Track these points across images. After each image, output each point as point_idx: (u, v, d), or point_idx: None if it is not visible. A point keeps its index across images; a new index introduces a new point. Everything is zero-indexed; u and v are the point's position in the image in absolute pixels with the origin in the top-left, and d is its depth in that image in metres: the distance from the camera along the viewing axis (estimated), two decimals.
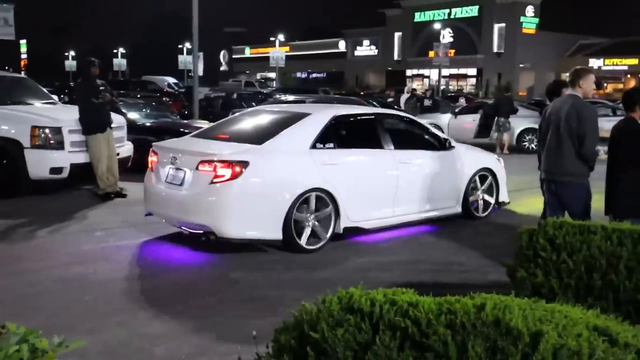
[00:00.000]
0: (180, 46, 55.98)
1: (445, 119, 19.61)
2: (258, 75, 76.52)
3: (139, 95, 22.01)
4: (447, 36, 58.43)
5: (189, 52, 41.88)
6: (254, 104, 18.86)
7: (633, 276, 3.41)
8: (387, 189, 7.58)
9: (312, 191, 6.84)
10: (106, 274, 5.97)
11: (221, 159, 6.51)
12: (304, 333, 2.24)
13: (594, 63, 59.78)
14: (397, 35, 69.22)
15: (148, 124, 12.87)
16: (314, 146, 7.04)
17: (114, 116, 10.25)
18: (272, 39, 62.81)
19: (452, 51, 50.73)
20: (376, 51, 73.05)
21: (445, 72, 56.71)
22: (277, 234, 6.63)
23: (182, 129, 12.32)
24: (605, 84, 58.72)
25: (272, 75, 60.63)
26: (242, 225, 6.55)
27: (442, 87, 49.35)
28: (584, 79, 5.72)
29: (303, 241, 6.80)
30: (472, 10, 62.07)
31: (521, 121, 18.33)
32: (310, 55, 78.22)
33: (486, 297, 2.13)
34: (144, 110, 13.93)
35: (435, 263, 6.57)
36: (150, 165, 7.40)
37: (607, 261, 3.53)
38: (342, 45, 76.86)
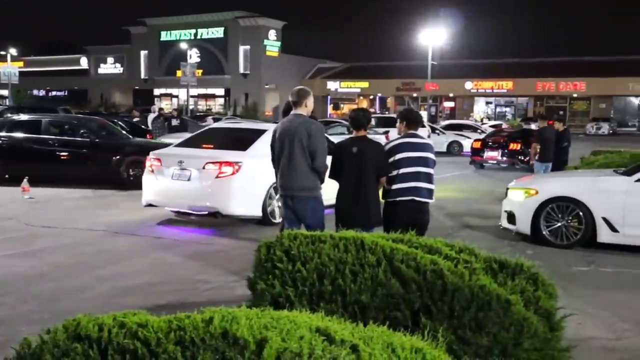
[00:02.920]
0: None
1: None
2: None
3: None
4: (194, 56, 58.93)
5: None
6: None
7: (357, 279, 3.73)
8: None
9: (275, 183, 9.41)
10: None
11: (224, 160, 9.18)
12: None
13: (332, 85, 64.84)
14: (143, 53, 67.96)
15: None
16: None
17: None
18: (2, 52, 57.59)
19: (200, 71, 51.32)
20: (122, 69, 70.86)
21: (194, 91, 56.96)
22: (258, 212, 9.37)
23: None
24: (342, 105, 63.83)
25: (5, 92, 55.54)
26: (239, 206, 9.26)
27: (191, 107, 49.43)
28: (307, 98, 6.11)
29: (272, 218, 9.50)
30: (218, 32, 63.36)
31: None
32: (49, 71, 73.17)
33: (215, 311, 2.18)
34: None
35: (182, 282, 6.53)
36: (150, 168, 9.87)
37: (335, 267, 3.81)
38: (84, 62, 73.20)
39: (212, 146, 9.92)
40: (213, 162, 9.19)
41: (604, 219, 8.31)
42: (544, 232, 8.66)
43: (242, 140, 9.88)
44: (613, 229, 8.28)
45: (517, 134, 21.38)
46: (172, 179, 9.49)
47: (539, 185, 9.05)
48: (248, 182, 9.21)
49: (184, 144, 10.56)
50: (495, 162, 20.35)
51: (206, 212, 9.44)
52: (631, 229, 8.20)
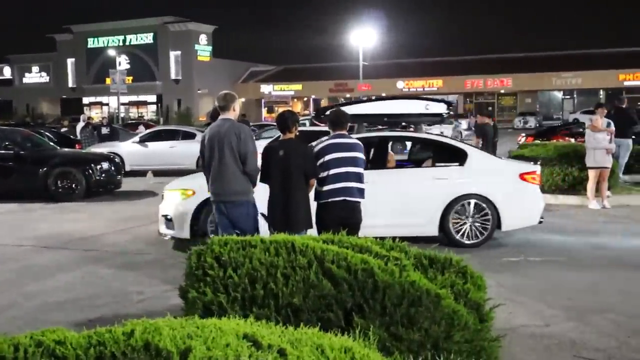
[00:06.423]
0: None
1: (125, 147, 19.04)
2: None
3: None
4: (123, 63, 57.68)
5: None
6: None
7: (289, 282, 3.72)
8: None
9: None
10: None
11: None
12: None
13: (265, 88, 64.66)
14: (70, 61, 66.14)
15: None
16: None
17: None
18: None
19: (130, 78, 50.29)
20: (48, 78, 68.73)
21: (125, 99, 55.79)
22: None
23: None
24: (276, 108, 63.71)
25: None
26: None
27: (122, 115, 48.34)
28: (234, 102, 6.06)
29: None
30: (147, 38, 62.27)
31: None
32: None
33: (136, 323, 2.13)
34: None
35: (114, 295, 6.36)
36: None
37: (266, 271, 3.78)
38: (7, 72, 70.59)
39: None
40: None
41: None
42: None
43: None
44: None
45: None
46: None
47: (197, 184, 8.15)
48: None
49: None
50: None
51: None
52: None
